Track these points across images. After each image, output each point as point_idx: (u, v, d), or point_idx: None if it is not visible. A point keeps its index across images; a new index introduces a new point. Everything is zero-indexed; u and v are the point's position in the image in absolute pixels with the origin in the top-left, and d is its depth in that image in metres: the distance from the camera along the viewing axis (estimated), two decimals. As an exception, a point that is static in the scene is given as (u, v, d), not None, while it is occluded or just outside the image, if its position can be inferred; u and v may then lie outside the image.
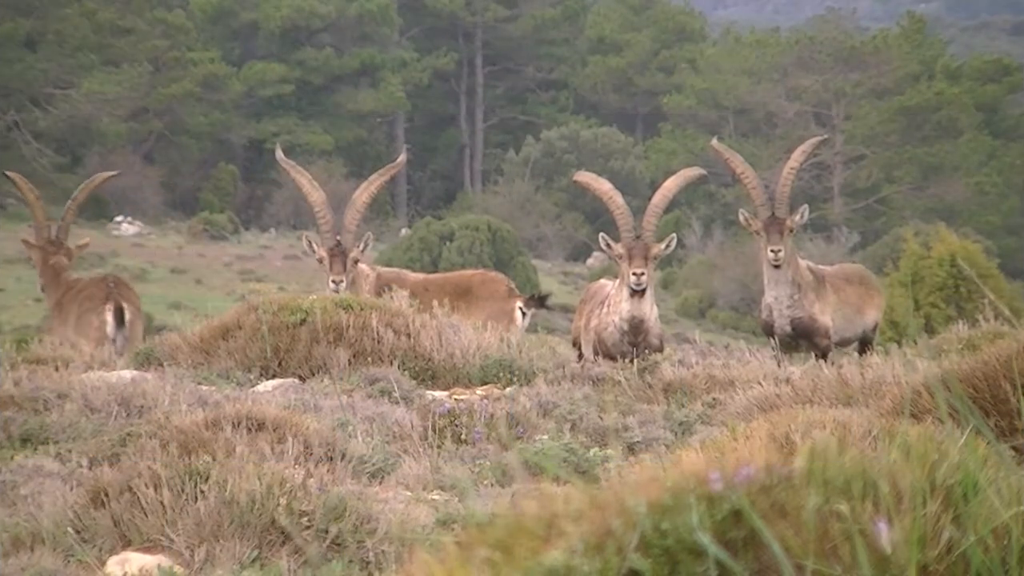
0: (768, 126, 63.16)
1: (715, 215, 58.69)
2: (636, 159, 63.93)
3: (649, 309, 11.23)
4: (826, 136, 15.13)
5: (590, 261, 55.31)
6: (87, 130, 58.74)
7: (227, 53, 66.26)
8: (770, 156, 61.32)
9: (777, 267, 11.69)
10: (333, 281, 12.23)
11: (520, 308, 12.46)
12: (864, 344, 12.22)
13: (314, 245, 12.43)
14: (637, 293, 11.13)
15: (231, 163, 63.88)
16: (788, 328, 12.03)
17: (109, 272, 13.01)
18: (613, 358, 10.95)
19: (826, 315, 12.02)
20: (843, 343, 12.29)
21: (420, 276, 13.25)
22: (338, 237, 12.42)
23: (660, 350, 11.02)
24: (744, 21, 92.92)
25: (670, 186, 11.44)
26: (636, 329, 11.15)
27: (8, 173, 14.31)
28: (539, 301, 12.67)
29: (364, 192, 12.68)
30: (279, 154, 13.11)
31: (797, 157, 12.07)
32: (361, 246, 12.42)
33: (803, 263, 12.19)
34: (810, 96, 61.73)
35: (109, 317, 12.87)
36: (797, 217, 11.71)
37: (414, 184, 68.43)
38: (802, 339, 11.99)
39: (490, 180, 67.32)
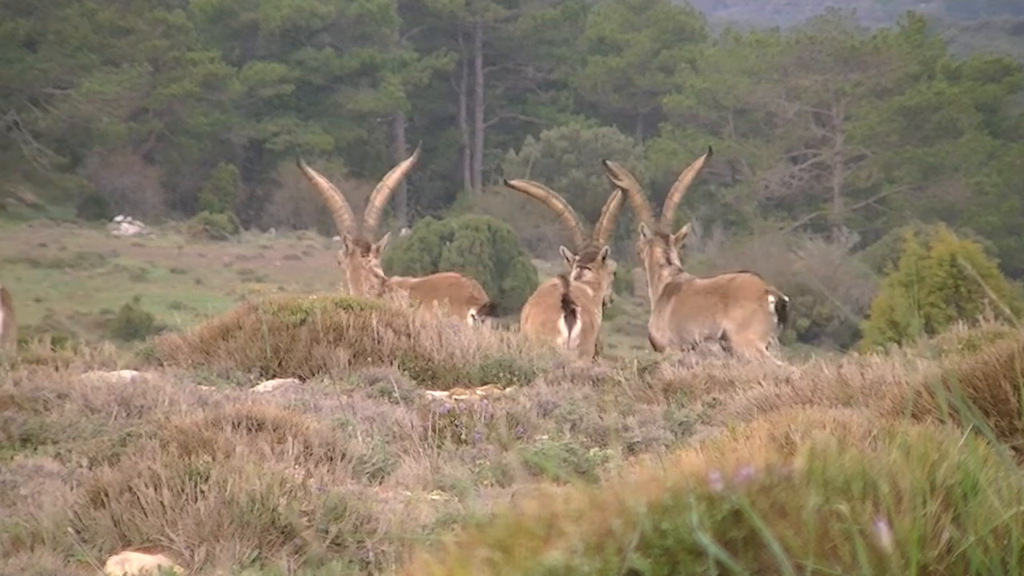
0: (768, 126, 63.13)
1: (715, 215, 58.70)
2: (636, 159, 63.87)
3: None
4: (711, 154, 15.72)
5: (590, 261, 55.27)
6: (87, 130, 58.74)
7: (227, 53, 66.22)
8: (770, 156, 61.39)
9: None
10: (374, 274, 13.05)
11: (472, 315, 12.64)
12: (726, 348, 12.50)
13: (347, 241, 13.27)
14: None
15: (231, 163, 63.87)
16: None
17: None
18: None
19: (658, 328, 12.84)
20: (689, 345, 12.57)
21: (399, 279, 13.73)
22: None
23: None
24: (744, 21, 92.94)
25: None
26: None
27: None
28: (489, 309, 12.94)
29: (384, 186, 13.40)
30: (302, 165, 13.88)
31: (687, 175, 12.86)
32: (381, 244, 13.24)
33: (667, 280, 12.97)
34: (810, 96, 61.70)
35: None
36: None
37: (414, 184, 68.38)
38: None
39: (490, 180, 67.26)
